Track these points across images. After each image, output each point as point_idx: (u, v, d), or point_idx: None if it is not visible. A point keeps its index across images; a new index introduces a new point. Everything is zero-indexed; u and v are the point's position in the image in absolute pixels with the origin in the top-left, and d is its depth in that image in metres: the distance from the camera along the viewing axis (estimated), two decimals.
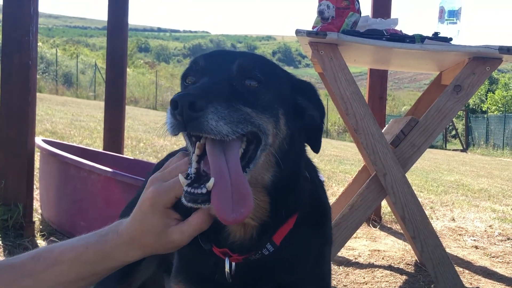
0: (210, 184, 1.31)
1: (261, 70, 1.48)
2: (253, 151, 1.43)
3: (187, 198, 1.34)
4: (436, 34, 3.52)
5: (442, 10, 3.77)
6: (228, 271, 1.54)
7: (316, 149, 1.72)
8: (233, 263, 1.55)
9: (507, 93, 44.48)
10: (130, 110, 21.61)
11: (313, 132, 1.69)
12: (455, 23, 3.72)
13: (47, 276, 1.51)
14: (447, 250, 4.55)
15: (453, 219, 6.38)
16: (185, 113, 1.25)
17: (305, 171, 1.66)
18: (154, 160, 7.94)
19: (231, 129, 1.29)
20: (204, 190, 1.32)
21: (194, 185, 1.34)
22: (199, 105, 1.24)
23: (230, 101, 1.33)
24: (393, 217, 5.53)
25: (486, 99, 45.95)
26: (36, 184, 4.74)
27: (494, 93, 45.31)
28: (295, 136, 1.56)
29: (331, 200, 5.29)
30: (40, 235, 3.98)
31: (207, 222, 1.48)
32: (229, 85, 1.40)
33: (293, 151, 1.56)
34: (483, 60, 3.30)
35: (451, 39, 3.44)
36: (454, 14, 3.73)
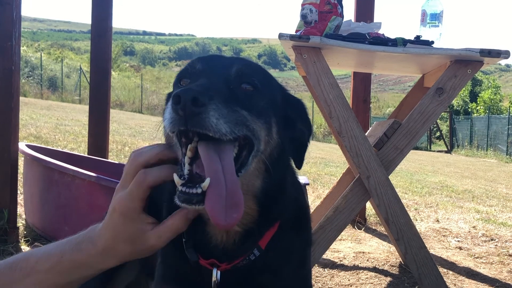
0: (206, 184, 1.29)
1: (258, 77, 1.49)
2: (245, 156, 1.42)
3: (181, 198, 1.31)
4: (418, 37, 3.55)
5: (424, 13, 3.80)
6: (215, 280, 1.53)
7: (299, 165, 1.72)
8: (218, 272, 1.54)
9: (495, 96, 44.83)
10: (115, 114, 21.56)
11: (298, 148, 1.69)
12: (437, 26, 3.75)
13: (24, 286, 1.49)
14: (431, 251, 4.59)
15: (437, 220, 6.43)
16: (187, 108, 1.24)
17: (290, 178, 1.66)
18: None
19: (230, 129, 1.29)
20: (199, 190, 1.29)
21: (188, 185, 1.32)
22: (201, 100, 1.24)
23: (229, 102, 1.33)
24: (378, 219, 5.56)
25: (474, 100, 46.30)
26: (20, 190, 4.71)
27: (480, 94, 45.67)
28: (285, 146, 1.56)
29: (317, 202, 5.32)
30: (24, 240, 3.96)
31: (185, 223, 1.45)
32: (226, 87, 1.41)
33: (282, 160, 1.57)
34: (465, 63, 3.33)
35: (432, 42, 3.47)
36: (436, 17, 3.76)
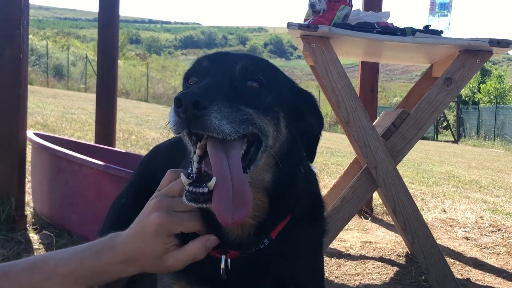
0: (212, 183, 1.31)
1: (263, 73, 1.49)
2: (253, 152, 1.44)
3: (189, 197, 1.34)
4: (427, 27, 3.53)
5: (433, 3, 3.78)
6: (223, 267, 1.55)
7: (311, 158, 1.73)
8: (229, 260, 1.55)
9: (500, 85, 44.57)
10: (121, 103, 21.54)
11: (309, 141, 1.69)
12: (446, 15, 3.73)
13: None
14: (438, 241, 4.59)
15: (444, 211, 6.42)
16: (188, 111, 1.25)
17: (303, 170, 1.66)
18: (145, 153, 7.91)
19: (234, 128, 1.30)
20: (205, 190, 1.32)
21: (195, 184, 1.35)
22: (202, 103, 1.25)
23: (233, 101, 1.34)
24: (385, 209, 5.56)
25: (479, 90, 46.07)
26: (28, 178, 4.73)
27: (486, 84, 45.43)
28: (295, 140, 1.57)
29: (323, 192, 5.31)
30: (32, 228, 3.98)
31: (203, 252, 1.48)
32: (231, 85, 1.41)
33: (293, 154, 1.56)
34: (474, 53, 3.32)
35: (441, 32, 3.45)
36: (445, 7, 3.74)
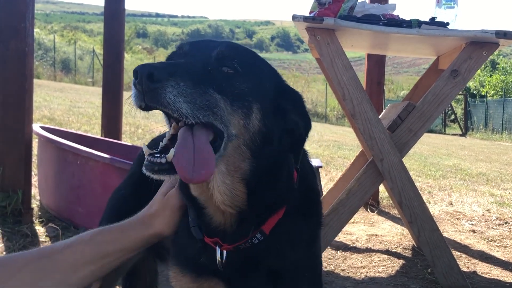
0: (170, 155, 1.32)
1: (241, 60, 1.46)
2: (218, 143, 1.41)
3: (146, 167, 1.35)
4: (433, 19, 3.51)
5: None
6: (220, 259, 1.56)
7: (296, 160, 1.62)
8: (225, 252, 1.57)
9: (506, 77, 44.25)
10: (128, 96, 21.57)
11: (294, 141, 1.60)
12: (453, 7, 3.70)
13: (63, 256, 1.62)
14: (445, 234, 4.58)
15: (451, 204, 6.40)
16: (144, 83, 1.25)
17: (291, 167, 1.61)
18: None
19: (192, 110, 1.29)
20: (163, 160, 1.33)
21: (156, 155, 1.36)
22: (157, 75, 1.24)
23: (200, 83, 1.33)
24: (391, 201, 5.54)
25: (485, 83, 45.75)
26: (35, 171, 4.74)
27: (491, 77, 45.11)
28: (273, 134, 1.52)
29: (330, 185, 5.31)
30: (38, 221, 4.00)
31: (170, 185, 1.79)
32: (203, 68, 1.39)
33: (271, 148, 1.52)
34: (480, 45, 3.30)
35: (448, 23, 3.43)
36: None
